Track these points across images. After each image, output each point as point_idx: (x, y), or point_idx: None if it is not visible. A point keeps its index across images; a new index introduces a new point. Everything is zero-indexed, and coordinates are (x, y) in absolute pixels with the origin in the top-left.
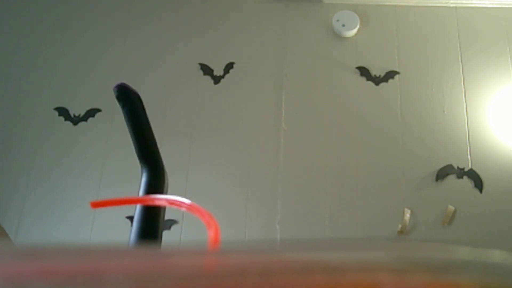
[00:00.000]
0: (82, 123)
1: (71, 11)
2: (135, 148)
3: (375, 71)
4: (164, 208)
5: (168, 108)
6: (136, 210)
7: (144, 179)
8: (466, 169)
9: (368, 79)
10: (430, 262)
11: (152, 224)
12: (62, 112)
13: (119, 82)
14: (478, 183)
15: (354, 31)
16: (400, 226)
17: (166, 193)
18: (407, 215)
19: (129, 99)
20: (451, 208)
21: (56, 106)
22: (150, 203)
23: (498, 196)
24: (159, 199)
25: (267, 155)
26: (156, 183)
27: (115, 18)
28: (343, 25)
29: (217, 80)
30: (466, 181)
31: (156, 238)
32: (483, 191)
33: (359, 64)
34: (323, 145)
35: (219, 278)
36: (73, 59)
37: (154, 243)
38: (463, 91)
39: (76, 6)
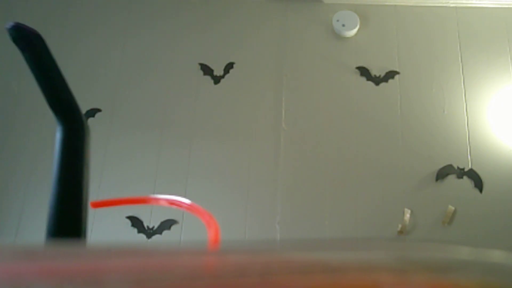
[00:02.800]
0: None
1: (72, 11)
2: (45, 96)
3: (375, 71)
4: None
5: (168, 108)
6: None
7: (59, 135)
8: (466, 169)
9: (368, 79)
10: (430, 262)
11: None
12: None
13: (12, 22)
14: (478, 183)
15: (354, 31)
16: (400, 226)
17: (89, 149)
18: (407, 215)
19: (29, 41)
20: (451, 208)
21: None
22: (150, 203)
23: (498, 196)
24: (159, 199)
25: (267, 155)
26: (75, 138)
27: (115, 18)
28: (343, 25)
29: (217, 80)
30: (466, 181)
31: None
32: (483, 191)
33: (359, 64)
34: (323, 145)
35: (219, 278)
36: (73, 59)
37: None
38: (463, 91)
39: (76, 7)
